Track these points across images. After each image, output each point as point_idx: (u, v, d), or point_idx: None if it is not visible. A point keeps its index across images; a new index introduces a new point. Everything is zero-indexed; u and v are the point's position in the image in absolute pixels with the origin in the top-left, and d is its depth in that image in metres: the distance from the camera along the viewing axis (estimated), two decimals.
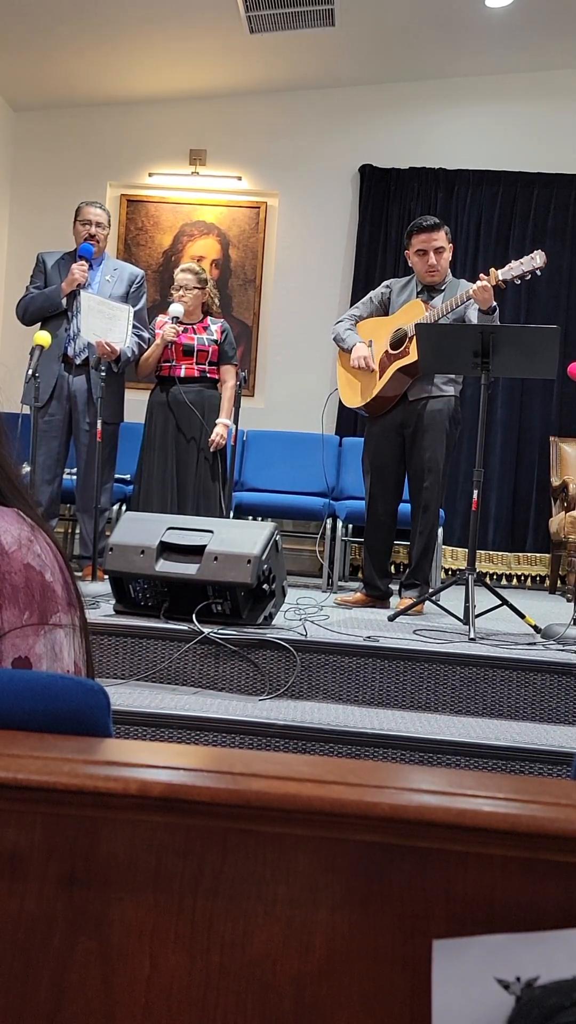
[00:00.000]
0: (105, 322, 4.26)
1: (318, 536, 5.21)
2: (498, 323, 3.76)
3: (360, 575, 4.69)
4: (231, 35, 5.57)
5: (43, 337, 4.05)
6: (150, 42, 5.66)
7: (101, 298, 4.34)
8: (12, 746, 0.65)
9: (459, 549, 6.01)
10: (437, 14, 5.51)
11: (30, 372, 4.04)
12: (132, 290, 4.56)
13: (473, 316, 3.83)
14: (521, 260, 3.72)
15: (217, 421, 4.52)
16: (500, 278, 3.71)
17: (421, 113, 6.31)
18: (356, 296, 5.80)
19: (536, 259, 3.68)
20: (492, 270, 3.75)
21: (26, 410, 4.29)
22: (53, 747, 0.66)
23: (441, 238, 4.00)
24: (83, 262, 4.39)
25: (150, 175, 6.46)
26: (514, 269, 3.71)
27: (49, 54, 5.80)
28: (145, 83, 6.19)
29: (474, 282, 3.76)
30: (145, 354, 4.55)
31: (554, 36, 5.79)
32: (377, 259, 6.29)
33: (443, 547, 5.58)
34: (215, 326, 4.61)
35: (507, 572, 6.16)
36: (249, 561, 3.04)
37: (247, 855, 0.63)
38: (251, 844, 0.63)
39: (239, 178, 6.41)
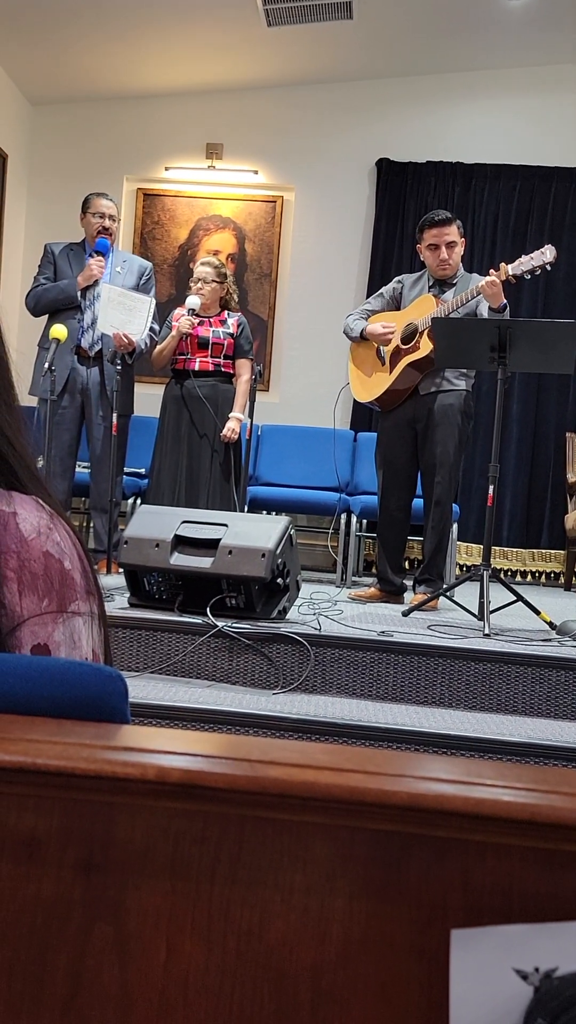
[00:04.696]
0: (125, 314, 4.24)
1: (331, 531, 5.21)
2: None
3: (374, 570, 4.68)
4: (249, 28, 5.56)
5: (60, 331, 4.04)
6: (167, 35, 5.66)
7: (123, 289, 4.32)
8: (30, 731, 0.65)
9: (474, 545, 5.99)
10: (455, 7, 5.48)
11: (47, 365, 4.04)
12: (142, 282, 4.55)
13: (485, 311, 3.81)
14: (531, 255, 3.69)
15: (230, 415, 4.50)
16: (510, 273, 3.69)
17: (438, 107, 6.29)
18: (372, 291, 5.78)
19: (546, 254, 3.66)
20: (503, 265, 3.73)
21: (34, 401, 4.29)
22: (71, 733, 0.66)
23: (453, 233, 3.97)
24: (100, 257, 4.37)
25: (166, 169, 6.46)
26: (524, 264, 3.69)
27: (66, 48, 5.81)
28: (162, 77, 6.19)
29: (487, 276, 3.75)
30: (160, 347, 4.53)
31: (572, 29, 5.75)
32: (393, 254, 6.27)
33: (458, 543, 5.57)
34: (232, 320, 4.60)
35: (521, 568, 6.14)
36: (263, 555, 3.04)
37: (264, 842, 0.62)
38: (268, 831, 0.62)
39: (255, 172, 6.40)
